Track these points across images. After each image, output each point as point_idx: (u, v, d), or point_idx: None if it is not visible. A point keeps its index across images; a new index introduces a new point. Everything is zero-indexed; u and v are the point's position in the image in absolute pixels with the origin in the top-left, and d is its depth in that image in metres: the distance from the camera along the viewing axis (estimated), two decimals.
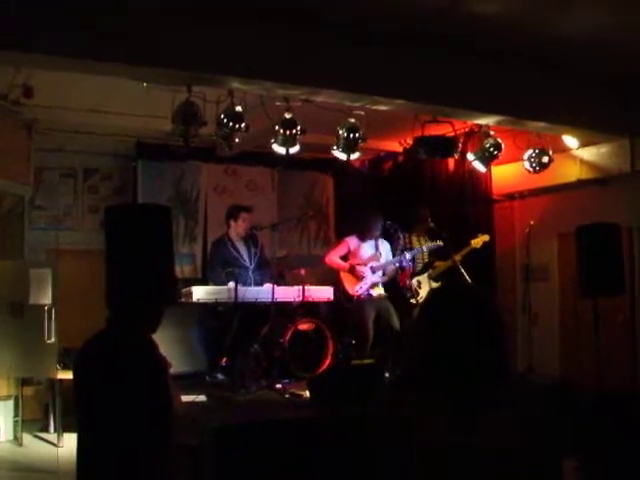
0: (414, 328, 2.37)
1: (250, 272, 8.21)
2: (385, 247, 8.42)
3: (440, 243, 8.31)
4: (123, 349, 3.12)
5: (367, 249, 8.35)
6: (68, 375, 7.33)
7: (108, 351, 3.13)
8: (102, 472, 3.09)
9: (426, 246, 8.38)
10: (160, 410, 3.10)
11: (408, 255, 8.40)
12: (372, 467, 2.37)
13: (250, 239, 8.41)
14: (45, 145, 8.25)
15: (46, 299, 7.15)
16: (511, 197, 9.30)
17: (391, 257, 8.37)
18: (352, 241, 8.37)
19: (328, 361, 8.14)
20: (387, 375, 7.74)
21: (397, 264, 8.31)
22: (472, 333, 2.24)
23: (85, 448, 3.18)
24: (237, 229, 8.33)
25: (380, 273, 8.32)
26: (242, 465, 5.68)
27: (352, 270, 8.24)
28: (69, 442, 7.12)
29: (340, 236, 9.24)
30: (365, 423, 2.49)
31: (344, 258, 8.36)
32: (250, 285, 8.04)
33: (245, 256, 8.29)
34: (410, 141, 8.07)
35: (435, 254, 8.58)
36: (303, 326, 8.23)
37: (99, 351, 3.17)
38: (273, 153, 7.01)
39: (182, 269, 9.14)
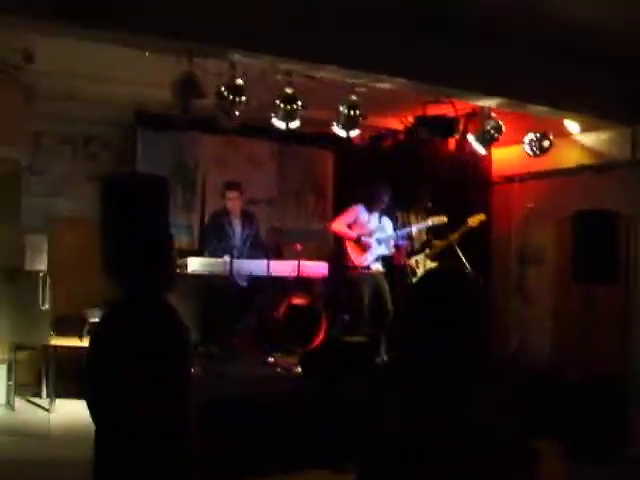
0: (408, 309, 2.44)
1: (241, 250, 8.17)
2: (387, 222, 8.38)
3: (444, 219, 8.30)
4: (157, 317, 3.14)
5: (373, 220, 8.30)
6: (62, 342, 7.38)
7: (141, 320, 3.14)
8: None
9: (431, 220, 8.35)
10: (189, 374, 3.16)
11: (414, 228, 8.42)
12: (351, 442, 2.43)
13: (247, 219, 8.40)
14: (44, 111, 8.18)
15: (41, 265, 7.17)
16: (510, 180, 9.29)
17: (392, 232, 8.34)
18: (360, 210, 8.28)
19: (320, 337, 8.19)
20: (383, 355, 7.80)
21: (396, 240, 8.29)
22: (453, 317, 2.31)
23: (107, 420, 3.17)
24: (228, 207, 8.34)
25: (385, 246, 8.29)
26: (232, 437, 5.73)
27: (359, 240, 8.15)
28: (61, 407, 7.19)
29: (338, 211, 9.23)
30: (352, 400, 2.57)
31: (349, 227, 8.27)
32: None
33: (238, 234, 8.28)
34: (411, 120, 8.05)
35: (433, 233, 8.60)
36: (297, 301, 8.27)
37: (132, 321, 3.16)
38: (274, 127, 6.98)
39: (179, 240, 9.09)
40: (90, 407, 3.13)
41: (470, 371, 2.31)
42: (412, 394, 2.30)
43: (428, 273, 3.40)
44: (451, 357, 2.29)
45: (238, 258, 7.91)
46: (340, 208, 9.02)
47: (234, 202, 8.30)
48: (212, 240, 8.30)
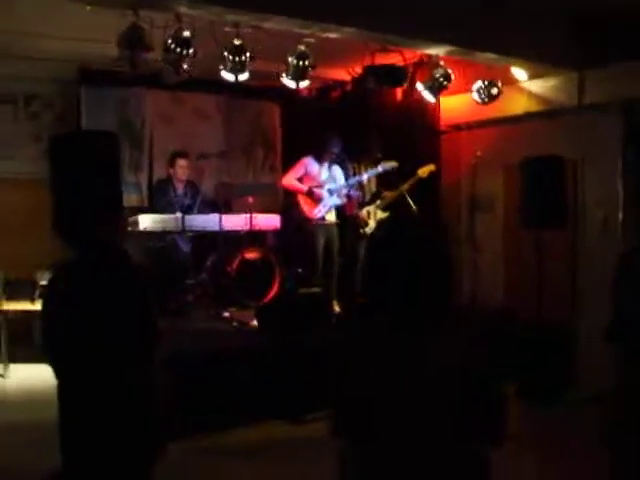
0: (366, 259, 2.45)
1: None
2: (338, 171, 8.40)
3: (395, 164, 8.31)
4: (113, 270, 3.10)
5: (323, 172, 8.30)
6: (13, 306, 7.25)
7: (98, 274, 3.09)
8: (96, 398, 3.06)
9: (381, 166, 8.34)
10: (155, 325, 3.14)
11: (365, 176, 8.45)
12: (325, 388, 2.45)
13: (190, 189, 8.49)
14: None
15: None
16: (458, 128, 9.31)
17: (344, 181, 8.37)
18: (309, 162, 8.28)
19: (275, 290, 8.19)
20: (334, 305, 7.85)
21: (348, 189, 8.32)
22: (416, 265, 2.32)
23: (70, 377, 3.12)
24: (177, 174, 8.43)
25: (337, 195, 8.31)
26: (193, 392, 5.74)
27: (310, 193, 8.17)
28: (15, 373, 7.11)
29: (287, 164, 9.19)
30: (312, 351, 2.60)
31: (300, 180, 8.28)
32: None
33: (179, 203, 8.34)
34: (359, 70, 8.01)
35: (383, 184, 8.62)
36: (250, 255, 8.24)
37: (88, 276, 3.11)
38: (220, 80, 6.88)
39: (128, 198, 8.95)
40: (53, 367, 3.08)
41: (434, 321, 2.33)
42: (382, 346, 2.33)
43: (388, 224, 3.41)
44: (416, 308, 2.31)
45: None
46: (289, 161, 8.99)
47: (183, 170, 8.47)
48: (159, 203, 8.38)
